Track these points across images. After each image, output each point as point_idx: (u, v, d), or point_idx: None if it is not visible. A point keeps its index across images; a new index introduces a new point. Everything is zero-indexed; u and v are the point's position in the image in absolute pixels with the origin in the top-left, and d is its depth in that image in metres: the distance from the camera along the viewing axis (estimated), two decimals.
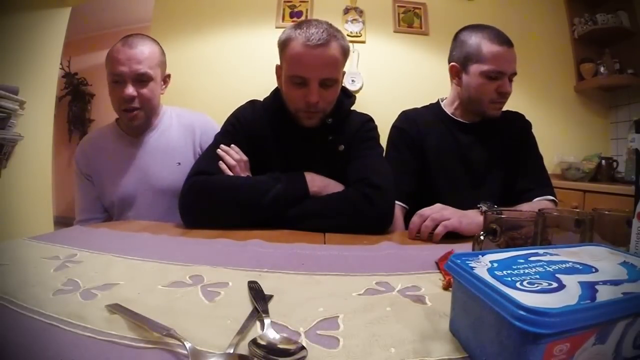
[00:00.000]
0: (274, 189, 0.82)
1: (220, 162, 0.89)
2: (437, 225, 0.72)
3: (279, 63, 0.95)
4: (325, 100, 0.89)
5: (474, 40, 0.98)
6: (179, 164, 1.05)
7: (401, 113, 1.12)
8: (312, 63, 0.84)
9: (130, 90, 0.95)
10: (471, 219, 0.74)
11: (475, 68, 0.97)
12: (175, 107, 1.16)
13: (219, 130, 1.07)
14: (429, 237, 0.73)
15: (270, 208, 0.81)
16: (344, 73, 0.97)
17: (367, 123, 1.00)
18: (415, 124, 1.06)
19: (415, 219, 0.76)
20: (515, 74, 0.97)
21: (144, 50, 0.98)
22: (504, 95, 0.97)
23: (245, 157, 0.91)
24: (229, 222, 0.80)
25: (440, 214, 0.74)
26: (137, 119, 1.00)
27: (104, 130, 1.11)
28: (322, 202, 0.83)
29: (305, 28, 0.85)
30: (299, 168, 0.88)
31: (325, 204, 0.83)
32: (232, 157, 0.90)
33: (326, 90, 0.88)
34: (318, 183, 0.86)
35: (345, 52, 0.90)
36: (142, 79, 0.97)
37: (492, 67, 0.94)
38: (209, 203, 0.83)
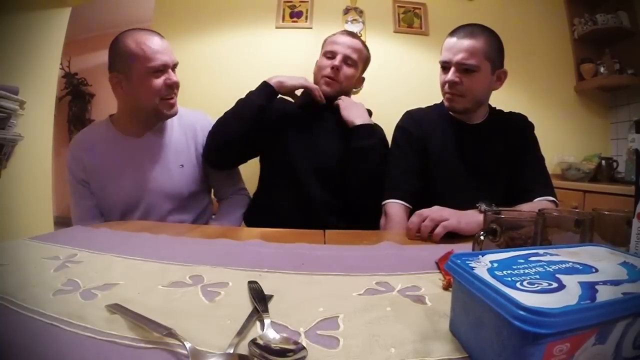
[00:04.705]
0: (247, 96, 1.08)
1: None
2: (436, 226, 0.72)
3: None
4: (345, 74, 1.13)
5: None
6: (182, 166, 1.05)
7: (405, 113, 1.12)
8: (341, 42, 1.14)
9: (175, 77, 0.98)
10: (470, 218, 0.74)
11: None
12: None
13: None
14: (429, 237, 0.73)
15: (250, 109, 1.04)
16: (363, 79, 1.25)
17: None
18: (419, 124, 1.06)
19: (414, 219, 0.76)
20: (464, 64, 0.93)
21: (165, 41, 1.00)
22: (450, 85, 0.97)
23: None
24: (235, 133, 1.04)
25: (439, 214, 0.74)
26: (176, 106, 1.02)
27: (97, 131, 1.06)
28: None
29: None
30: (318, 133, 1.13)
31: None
32: None
33: (347, 67, 1.13)
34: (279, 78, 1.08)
35: (365, 57, 1.19)
36: (174, 68, 1.00)
37: (441, 58, 0.99)
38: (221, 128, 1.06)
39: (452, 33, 0.98)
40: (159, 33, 1.00)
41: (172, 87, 0.98)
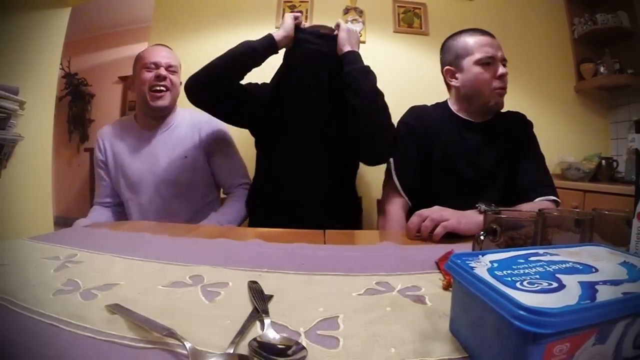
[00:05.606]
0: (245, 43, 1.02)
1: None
2: (436, 226, 0.72)
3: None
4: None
5: (459, 40, 1.03)
6: (186, 157, 1.19)
7: (409, 109, 1.12)
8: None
9: (164, 72, 1.16)
10: (470, 218, 0.74)
11: (467, 61, 1.01)
12: (189, 108, 1.24)
13: (220, 127, 1.26)
14: (429, 237, 0.73)
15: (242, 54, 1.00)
16: None
17: None
18: (423, 120, 1.06)
19: (414, 219, 0.76)
20: (505, 60, 1.00)
21: (169, 51, 1.23)
22: (502, 79, 0.99)
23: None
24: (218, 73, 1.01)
25: (439, 214, 0.74)
26: (164, 99, 1.17)
27: (121, 123, 1.28)
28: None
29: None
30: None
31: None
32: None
33: None
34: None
35: None
36: (171, 69, 1.19)
37: (483, 54, 0.98)
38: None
39: (479, 32, 1.01)
40: (168, 46, 1.25)
41: (159, 79, 1.16)
